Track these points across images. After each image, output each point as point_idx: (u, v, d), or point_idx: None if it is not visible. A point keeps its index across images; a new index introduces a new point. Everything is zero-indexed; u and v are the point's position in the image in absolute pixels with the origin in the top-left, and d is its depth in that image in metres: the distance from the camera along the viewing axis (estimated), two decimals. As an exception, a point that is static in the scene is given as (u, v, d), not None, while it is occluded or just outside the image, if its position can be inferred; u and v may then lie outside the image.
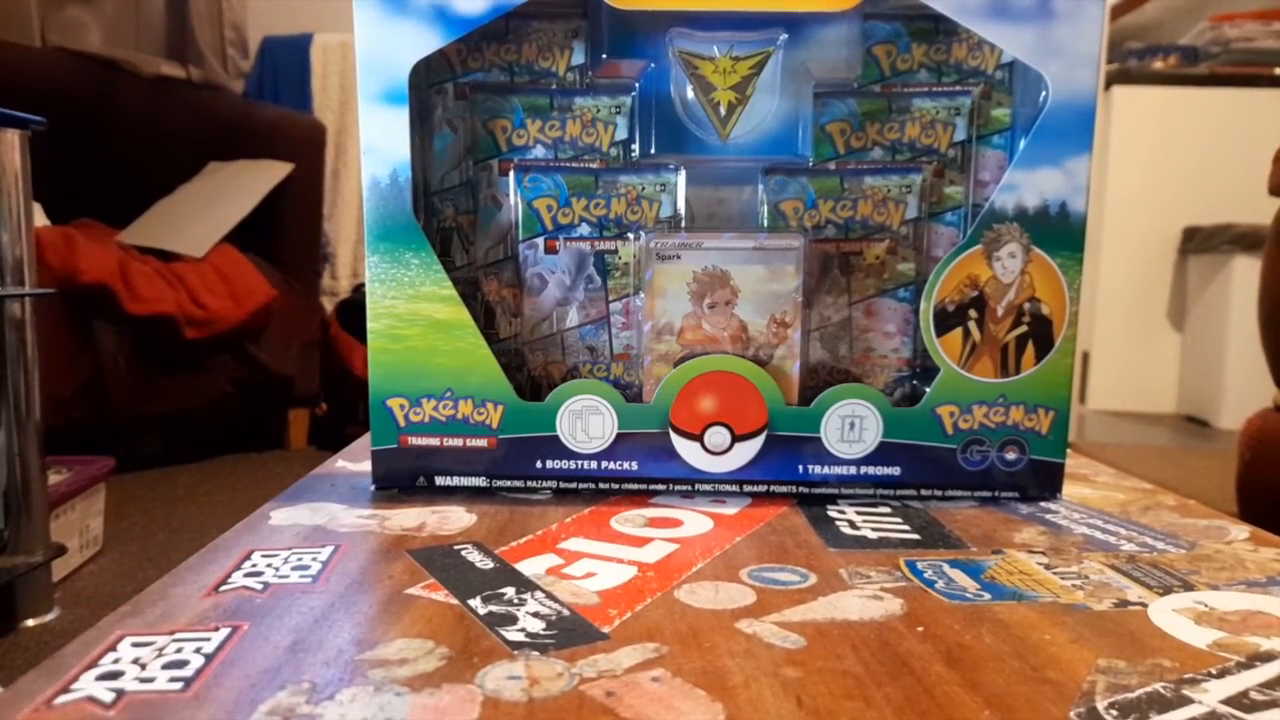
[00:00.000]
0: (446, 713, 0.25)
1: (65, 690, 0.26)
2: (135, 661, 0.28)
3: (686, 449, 0.48)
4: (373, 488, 0.50)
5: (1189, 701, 0.27)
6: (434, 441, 0.48)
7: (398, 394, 0.48)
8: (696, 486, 0.49)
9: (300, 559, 0.38)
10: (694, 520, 0.45)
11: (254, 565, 0.37)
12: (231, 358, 1.85)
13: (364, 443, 0.61)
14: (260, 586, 0.35)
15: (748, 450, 0.48)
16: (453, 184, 0.52)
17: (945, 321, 0.48)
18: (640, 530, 0.43)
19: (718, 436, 0.48)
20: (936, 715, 0.26)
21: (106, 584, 1.15)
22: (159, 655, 0.29)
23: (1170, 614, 0.33)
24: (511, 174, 0.51)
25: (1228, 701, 0.27)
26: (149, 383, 1.71)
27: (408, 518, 0.45)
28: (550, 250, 0.51)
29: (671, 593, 0.35)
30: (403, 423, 0.48)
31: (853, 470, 0.49)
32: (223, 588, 0.35)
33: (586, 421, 0.48)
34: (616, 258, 0.51)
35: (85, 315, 1.60)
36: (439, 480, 0.49)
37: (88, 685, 0.27)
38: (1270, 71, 2.57)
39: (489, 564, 0.38)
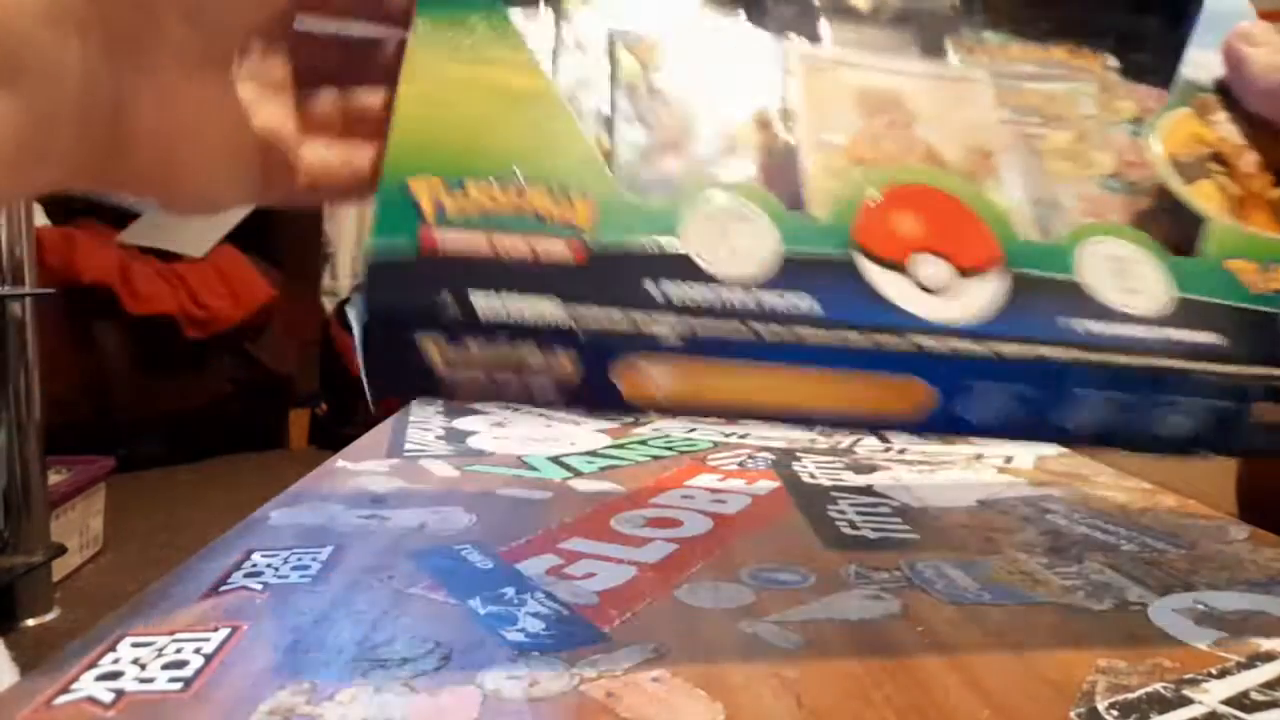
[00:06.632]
0: (446, 712, 0.25)
1: (65, 690, 0.26)
2: (135, 662, 0.28)
3: (889, 283, 0.30)
4: (357, 328, 0.27)
5: (1189, 702, 0.27)
6: (481, 243, 0.28)
7: (428, 171, 0.29)
8: (921, 344, 0.29)
9: (300, 559, 0.38)
10: (693, 520, 0.45)
11: (254, 565, 0.37)
12: (232, 357, 1.85)
13: (365, 441, 0.61)
14: (260, 587, 0.35)
15: (984, 292, 0.31)
16: None
17: (1185, 172, 0.36)
18: (640, 530, 0.43)
19: (931, 267, 0.31)
20: (936, 716, 0.26)
21: (107, 584, 1.15)
22: (159, 655, 0.28)
23: (1170, 614, 0.33)
24: None
25: (1228, 702, 0.27)
26: (149, 382, 1.71)
27: (408, 517, 0.45)
28: None
29: (671, 593, 0.35)
30: (431, 214, 0.28)
31: (1153, 332, 0.31)
32: (223, 588, 0.35)
33: (727, 232, 0.31)
34: None
35: (86, 315, 1.60)
36: (482, 301, 0.27)
37: (88, 685, 0.27)
38: (1270, 72, 2.57)
39: (489, 564, 0.38)
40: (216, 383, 1.83)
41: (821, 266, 0.31)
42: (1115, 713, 0.26)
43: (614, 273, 0.29)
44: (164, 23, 0.27)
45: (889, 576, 0.37)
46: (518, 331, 0.27)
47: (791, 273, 0.30)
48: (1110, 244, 0.33)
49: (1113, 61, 0.41)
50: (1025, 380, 0.30)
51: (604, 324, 0.28)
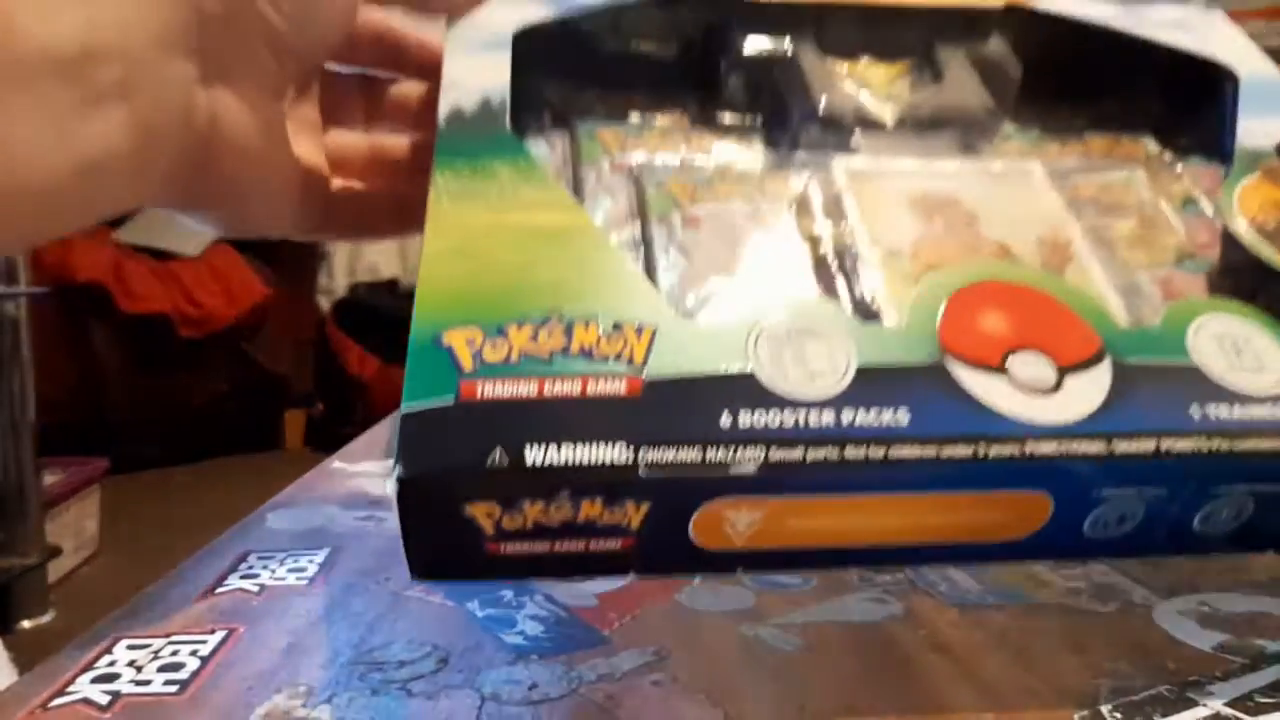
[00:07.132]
0: (444, 716, 0.25)
1: (61, 693, 0.26)
2: (131, 664, 0.28)
3: (987, 388, 0.28)
4: (391, 482, 0.24)
5: (1193, 704, 0.27)
6: (527, 389, 0.26)
7: (463, 322, 0.27)
8: (1034, 450, 0.27)
9: (297, 561, 0.38)
10: (693, 521, 0.45)
11: (250, 567, 0.37)
12: (227, 357, 1.85)
13: (361, 442, 0.60)
14: (256, 589, 0.35)
15: (1090, 388, 0.28)
16: None
17: (1274, 239, 0.34)
18: (639, 531, 0.43)
19: (1033, 365, 0.29)
20: (939, 719, 0.26)
21: (102, 585, 1.15)
22: (155, 658, 0.28)
23: (1175, 616, 0.33)
24: None
25: (1232, 704, 0.27)
26: (144, 382, 1.71)
27: (405, 519, 0.44)
28: None
29: (671, 595, 0.35)
30: (468, 364, 0.27)
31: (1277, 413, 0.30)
32: (219, 590, 0.34)
33: (801, 349, 0.28)
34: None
35: (80, 314, 1.59)
36: (533, 454, 0.25)
37: (83, 688, 0.26)
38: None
39: (487, 566, 0.38)
40: (212, 382, 1.83)
41: (908, 377, 0.28)
42: (1119, 716, 0.26)
43: (678, 406, 0.26)
44: (254, 49, 0.29)
45: (892, 579, 0.37)
46: (580, 486, 0.25)
47: (875, 387, 0.27)
48: (1219, 320, 0.30)
49: (1154, 147, 0.40)
50: (1154, 480, 0.27)
51: (676, 464, 0.25)
